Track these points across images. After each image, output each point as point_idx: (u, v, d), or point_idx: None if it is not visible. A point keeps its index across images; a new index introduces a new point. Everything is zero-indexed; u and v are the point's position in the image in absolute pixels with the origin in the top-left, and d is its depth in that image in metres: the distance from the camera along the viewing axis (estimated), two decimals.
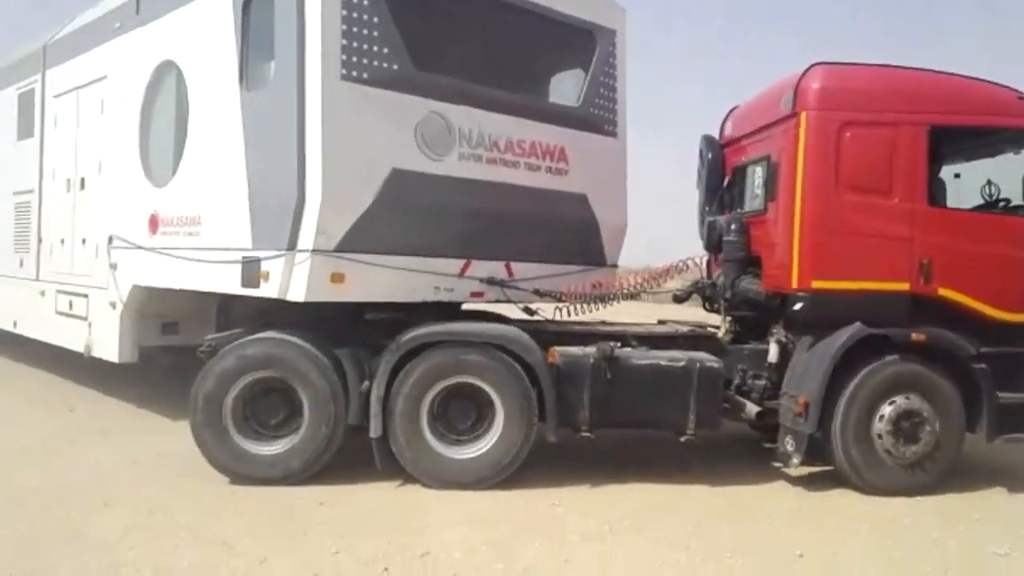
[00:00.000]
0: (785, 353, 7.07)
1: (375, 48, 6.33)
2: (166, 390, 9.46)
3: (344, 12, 6.17)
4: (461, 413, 6.67)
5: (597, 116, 8.01)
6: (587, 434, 6.73)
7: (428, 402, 6.56)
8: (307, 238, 6.13)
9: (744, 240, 7.38)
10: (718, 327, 7.77)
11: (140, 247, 8.16)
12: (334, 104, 6.11)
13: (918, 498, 6.49)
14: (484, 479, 6.50)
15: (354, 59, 6.22)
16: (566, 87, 8.32)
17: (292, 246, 6.22)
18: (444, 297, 7.02)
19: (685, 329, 7.51)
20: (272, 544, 5.21)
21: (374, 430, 6.48)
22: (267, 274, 6.39)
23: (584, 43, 7.96)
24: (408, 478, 6.56)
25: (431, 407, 6.59)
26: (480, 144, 7.03)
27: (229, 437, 6.51)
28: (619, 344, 6.86)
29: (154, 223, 7.97)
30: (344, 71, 6.17)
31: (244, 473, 6.50)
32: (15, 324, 11.27)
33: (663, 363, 6.74)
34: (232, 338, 6.93)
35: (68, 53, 9.96)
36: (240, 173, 6.71)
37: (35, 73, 10.80)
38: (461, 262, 7.04)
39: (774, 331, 7.18)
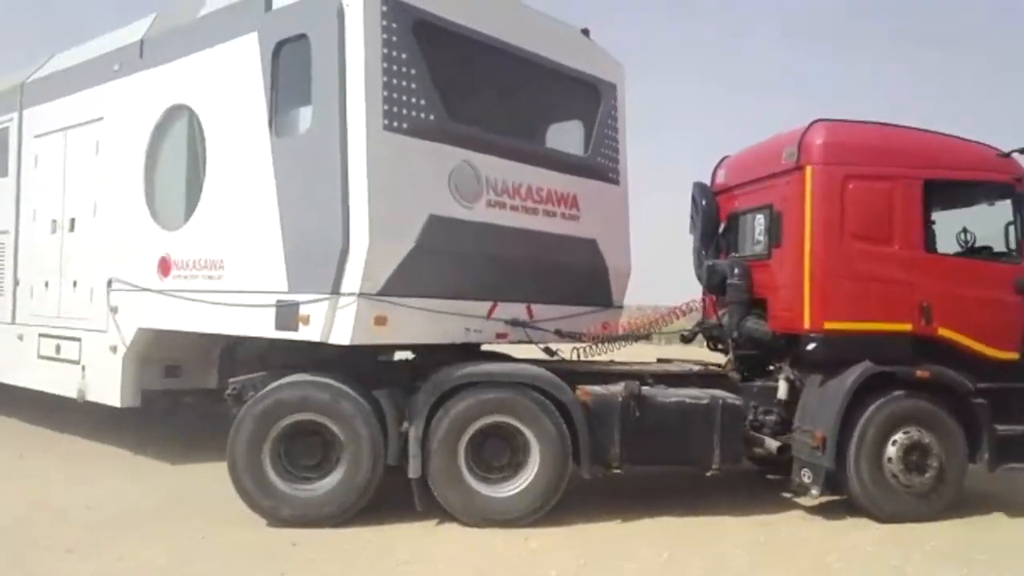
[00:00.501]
0: (793, 390, 7.45)
1: (413, 99, 6.53)
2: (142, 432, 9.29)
3: (385, 64, 6.36)
4: (497, 452, 6.81)
5: (603, 165, 8.37)
6: (617, 470, 6.96)
7: (465, 442, 6.68)
8: (352, 282, 6.23)
9: (747, 283, 7.77)
10: (719, 365, 8.14)
11: (148, 290, 8.05)
12: (378, 154, 6.27)
13: (876, 529, 6.87)
14: (522, 516, 6.64)
15: (395, 110, 6.41)
16: (564, 137, 8.64)
17: (336, 290, 6.30)
18: (473, 339, 7.20)
19: (698, 368, 7.82)
20: None
21: (413, 470, 6.56)
22: (307, 317, 6.45)
23: (590, 96, 8.35)
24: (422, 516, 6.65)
25: (467, 446, 6.71)
26: (504, 192, 7.28)
27: (268, 479, 6.53)
28: (642, 383, 7.11)
29: (165, 266, 7.90)
30: (386, 121, 6.34)
31: (282, 515, 6.50)
32: None
33: (688, 400, 7.03)
34: (257, 381, 6.95)
35: (53, 93, 9.79)
36: (272, 217, 6.77)
37: (10, 112, 10.56)
38: (488, 304, 7.23)
39: (782, 369, 7.55)
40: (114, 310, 8.49)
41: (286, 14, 6.84)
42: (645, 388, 7.03)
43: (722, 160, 8.75)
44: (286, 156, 6.77)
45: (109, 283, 8.57)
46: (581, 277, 8.14)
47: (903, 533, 6.70)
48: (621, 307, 8.69)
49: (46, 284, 9.71)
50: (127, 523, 6.49)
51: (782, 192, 7.44)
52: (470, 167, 6.97)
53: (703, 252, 8.41)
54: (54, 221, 9.61)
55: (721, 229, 8.42)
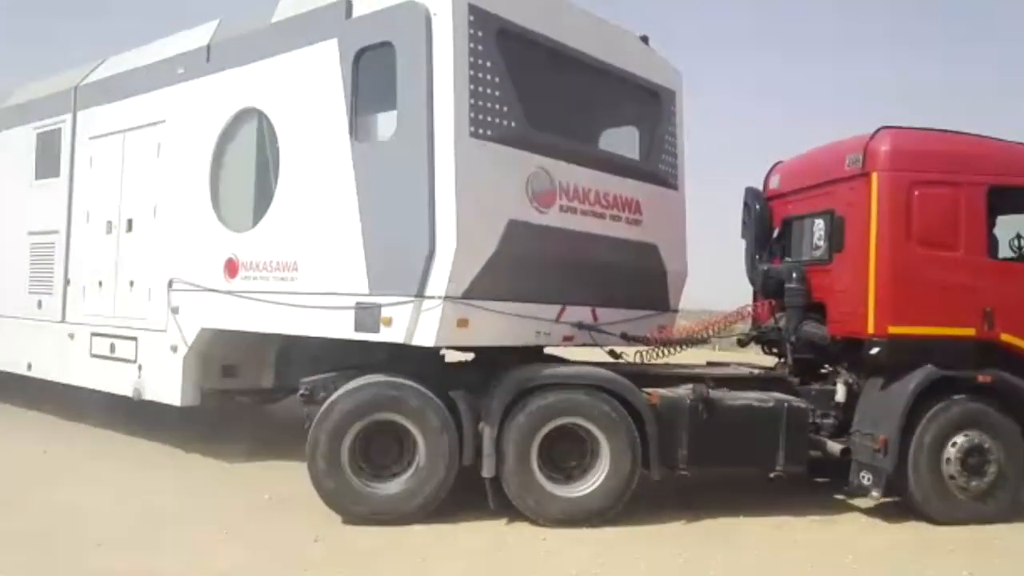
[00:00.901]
0: (851, 393, 7.61)
1: (496, 106, 6.66)
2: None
3: (471, 72, 6.49)
4: (567, 453, 6.94)
5: (663, 171, 8.53)
6: (684, 472, 7.10)
7: (538, 442, 6.81)
8: (438, 285, 6.35)
9: (805, 287, 7.92)
10: (769, 368, 8.30)
11: (213, 290, 8.16)
12: (464, 160, 6.39)
13: (896, 529, 7.05)
14: (593, 515, 6.77)
15: (480, 116, 6.54)
16: (619, 141, 8.79)
17: (420, 293, 6.42)
18: (542, 341, 7.33)
19: (758, 371, 7.97)
20: None
21: (487, 470, 6.69)
22: (390, 319, 6.57)
23: (651, 102, 8.50)
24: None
25: (540, 447, 6.84)
26: (575, 197, 7.42)
27: (346, 477, 6.66)
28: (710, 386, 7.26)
29: (232, 267, 8.01)
30: (472, 128, 6.47)
31: (360, 512, 6.64)
32: (29, 367, 10.94)
33: (754, 403, 7.18)
34: (328, 381, 7.07)
35: (110, 96, 9.89)
36: (352, 221, 6.89)
37: (62, 114, 10.67)
38: (558, 308, 7.36)
39: (839, 373, 7.71)
40: (175, 310, 8.60)
41: (368, 22, 6.96)
42: (712, 391, 7.16)
43: (775, 166, 8.91)
44: (367, 161, 6.89)
45: (170, 283, 8.67)
46: (642, 281, 8.29)
47: (922, 535, 6.88)
48: (676, 311, 8.84)
49: (100, 284, 9.80)
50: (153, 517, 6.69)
51: (845, 198, 7.59)
52: (545, 173, 7.11)
53: (757, 256, 8.56)
54: (110, 222, 9.70)
55: (775, 234, 8.57)
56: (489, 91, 6.60)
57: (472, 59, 6.49)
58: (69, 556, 5.69)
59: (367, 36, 6.96)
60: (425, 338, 6.43)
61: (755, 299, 8.63)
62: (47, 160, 10.89)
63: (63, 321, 10.38)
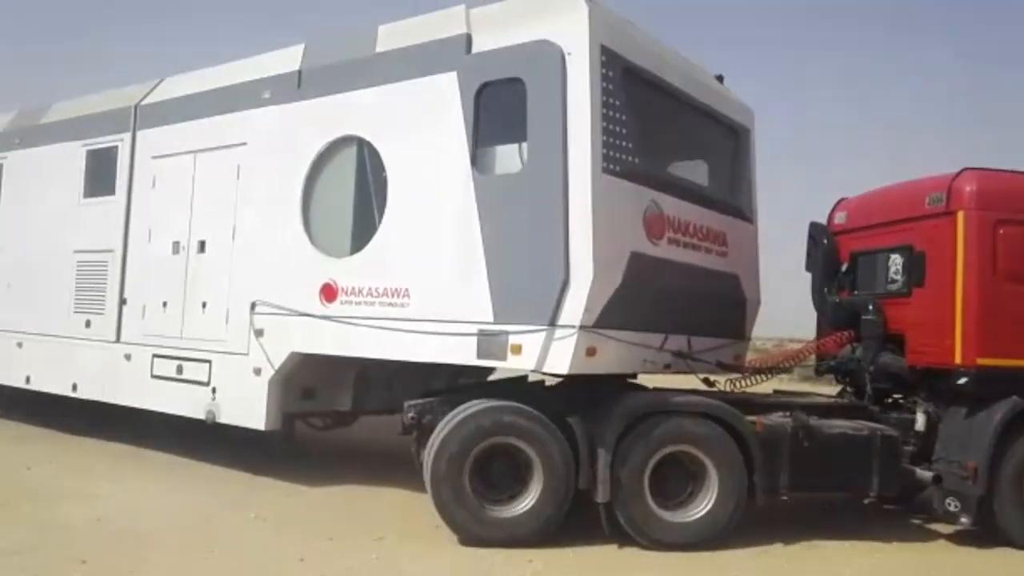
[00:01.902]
0: (929, 422, 7.97)
1: (622, 143, 6.92)
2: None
3: (603, 110, 6.74)
4: (676, 479, 7.16)
5: (742, 204, 8.87)
6: (784, 497, 7.37)
7: (650, 468, 7.02)
8: (572, 315, 6.54)
9: (882, 319, 8.30)
10: (837, 396, 8.67)
11: (307, 315, 8.21)
12: (598, 194, 6.61)
13: (986, 554, 7.35)
14: (701, 540, 6.96)
15: (609, 152, 6.78)
16: (692, 175, 9.12)
17: (554, 322, 6.60)
18: (648, 369, 7.56)
19: (843, 400, 8.30)
20: None
21: (603, 495, 6.87)
22: (519, 347, 6.74)
23: (732, 138, 8.86)
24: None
25: (651, 472, 7.05)
26: (679, 230, 7.70)
27: (468, 499, 6.79)
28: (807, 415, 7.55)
29: (329, 292, 8.08)
30: (604, 164, 6.71)
31: (481, 534, 6.78)
32: (75, 387, 10.77)
33: (850, 431, 7.47)
34: (433, 405, 7.30)
35: (177, 116, 9.92)
36: (475, 251, 7.03)
37: (119, 132, 10.64)
38: (661, 337, 7.60)
39: (918, 402, 8.07)
40: (259, 333, 8.62)
41: (494, 57, 7.15)
42: (812, 419, 7.45)
43: (839, 202, 9.31)
44: (492, 192, 7.06)
45: (253, 306, 8.70)
46: (727, 310, 8.61)
47: (1009, 558, 7.21)
48: (749, 339, 9.17)
49: (164, 304, 9.75)
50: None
51: (926, 234, 7.96)
52: (657, 206, 7.37)
53: (826, 289, 8.92)
54: (177, 242, 9.67)
55: (844, 267, 8.94)
56: (616, 128, 6.85)
57: (604, 97, 6.74)
58: (52, 573, 5.71)
59: (492, 71, 7.15)
60: (558, 366, 6.62)
61: (819, 329, 8.99)
62: (100, 178, 10.82)
63: (117, 341, 10.27)
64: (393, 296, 7.60)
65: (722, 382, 8.26)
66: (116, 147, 10.63)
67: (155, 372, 9.74)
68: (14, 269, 11.92)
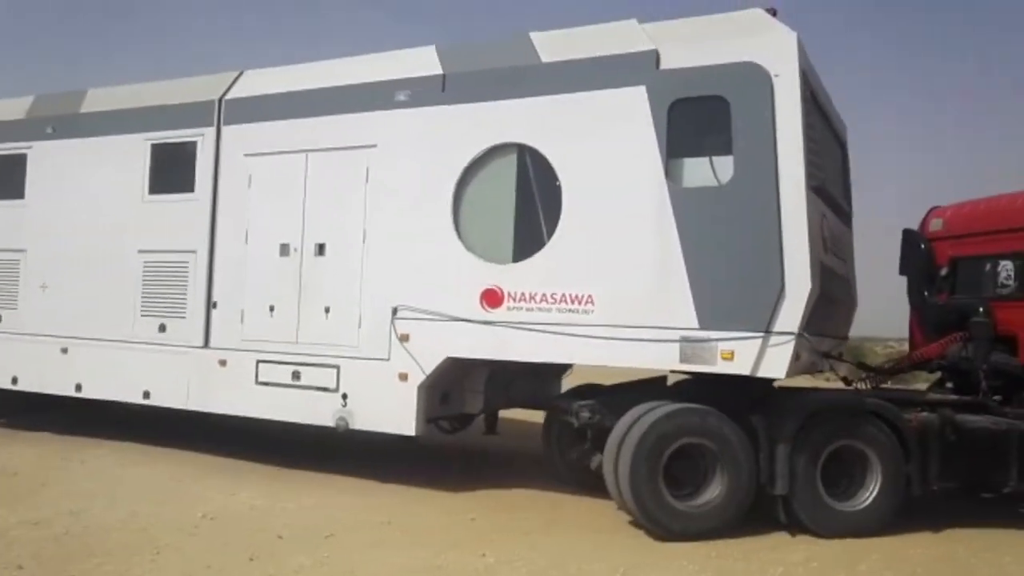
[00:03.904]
0: None
1: (815, 159, 7.56)
2: None
3: (805, 128, 7.30)
4: (842, 471, 7.84)
5: (848, 211, 9.67)
6: (933, 488, 8.14)
7: (822, 461, 7.69)
8: (790, 322, 7.17)
9: (991, 321, 9.19)
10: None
11: (465, 320, 8.37)
12: (808, 207, 7.21)
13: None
14: (866, 528, 7.68)
15: (810, 169, 7.39)
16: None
17: (768, 329, 7.14)
18: (810, 370, 8.22)
19: (967, 397, 9.09)
20: None
21: (781, 488, 7.55)
22: (731, 353, 7.26)
23: (842, 151, 9.64)
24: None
25: (822, 466, 7.71)
26: (830, 238, 8.39)
27: (662, 495, 7.39)
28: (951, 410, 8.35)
29: (493, 297, 8.31)
30: (807, 180, 7.27)
31: (674, 528, 7.38)
32: (146, 395, 10.38)
33: (990, 426, 8.35)
34: (595, 406, 8.04)
35: (280, 113, 9.83)
36: (675, 260, 7.55)
37: (197, 126, 10.32)
38: (817, 339, 8.27)
39: None
40: (404, 338, 8.71)
41: (690, 75, 7.64)
42: (959, 416, 8.23)
43: (932, 210, 10.25)
44: (689, 203, 7.54)
45: (394, 311, 8.75)
46: (841, 311, 9.37)
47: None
48: (847, 338, 10.00)
49: (271, 308, 9.63)
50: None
51: None
52: (825, 218, 8.01)
53: (925, 292, 9.80)
54: (285, 244, 9.54)
55: (943, 272, 9.87)
56: (812, 146, 7.47)
57: (804, 116, 7.27)
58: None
59: (688, 88, 7.62)
60: (775, 371, 7.20)
61: (913, 328, 9.89)
62: (172, 175, 10.50)
63: (206, 347, 9.98)
64: (574, 302, 7.93)
65: (859, 381, 8.97)
66: (195, 142, 10.34)
67: (261, 378, 9.59)
68: (50, 269, 11.37)
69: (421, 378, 8.64)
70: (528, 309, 8.17)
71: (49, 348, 11.16)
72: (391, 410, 8.78)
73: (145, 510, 7.74)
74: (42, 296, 11.36)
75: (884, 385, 9.24)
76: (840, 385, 9.23)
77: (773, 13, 7.57)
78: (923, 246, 10.06)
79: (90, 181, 11.06)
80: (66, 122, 11.42)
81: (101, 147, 11.02)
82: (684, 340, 7.49)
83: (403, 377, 8.72)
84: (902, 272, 10.22)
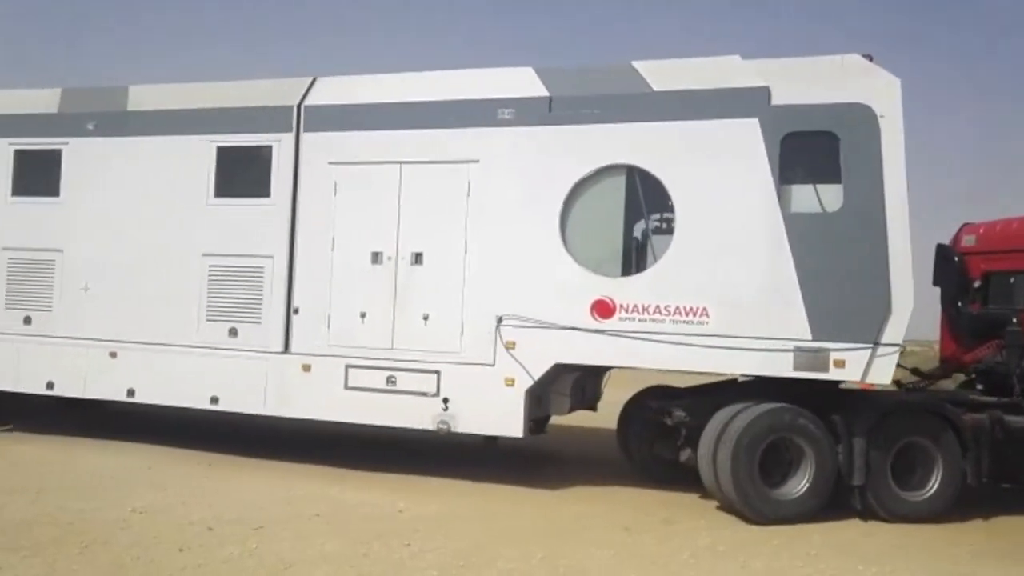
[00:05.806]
0: None
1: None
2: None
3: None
4: (909, 464, 9.09)
5: None
6: (984, 481, 9.46)
7: (892, 455, 8.92)
8: (895, 335, 8.50)
9: None
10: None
11: (576, 329, 9.15)
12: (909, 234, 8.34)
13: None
14: (929, 516, 8.98)
15: None
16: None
17: (876, 340, 8.29)
18: None
19: (1005, 399, 10.39)
20: None
21: (859, 479, 8.87)
22: (843, 362, 8.42)
23: None
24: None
25: (892, 459, 8.93)
26: None
27: (758, 484, 8.66)
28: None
29: (604, 308, 9.19)
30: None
31: (767, 513, 8.61)
32: (215, 400, 10.52)
33: None
34: (685, 407, 9.13)
35: (369, 123, 10.38)
36: (788, 277, 8.69)
37: (273, 131, 10.60)
38: None
39: None
40: (510, 345, 9.40)
41: (801, 112, 8.84)
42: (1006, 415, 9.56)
43: (963, 227, 11.65)
44: (801, 227, 8.61)
45: (499, 320, 9.38)
46: None
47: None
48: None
49: (362, 315, 10.05)
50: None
51: None
52: None
53: (959, 303, 11.12)
54: (378, 252, 10.01)
55: (976, 284, 11.19)
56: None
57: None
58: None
59: (800, 123, 8.77)
60: (882, 377, 8.46)
61: (945, 336, 11.22)
62: (242, 179, 10.67)
63: (286, 352, 10.26)
64: (688, 314, 8.84)
65: (910, 383, 10.23)
66: (271, 147, 10.65)
67: (351, 384, 9.93)
68: (93, 270, 11.22)
69: (529, 383, 9.46)
70: (641, 320, 9.09)
71: (94, 352, 11.17)
72: (497, 413, 9.55)
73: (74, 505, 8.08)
74: (84, 298, 11.22)
75: (930, 388, 10.58)
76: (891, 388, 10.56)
77: (870, 59, 8.67)
78: (956, 260, 11.40)
79: (142, 181, 11.09)
80: (111, 119, 11.30)
81: (156, 147, 11.06)
82: (798, 349, 8.55)
83: (509, 382, 9.47)
84: (936, 283, 11.57)
